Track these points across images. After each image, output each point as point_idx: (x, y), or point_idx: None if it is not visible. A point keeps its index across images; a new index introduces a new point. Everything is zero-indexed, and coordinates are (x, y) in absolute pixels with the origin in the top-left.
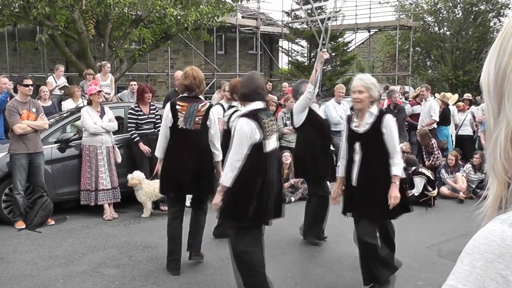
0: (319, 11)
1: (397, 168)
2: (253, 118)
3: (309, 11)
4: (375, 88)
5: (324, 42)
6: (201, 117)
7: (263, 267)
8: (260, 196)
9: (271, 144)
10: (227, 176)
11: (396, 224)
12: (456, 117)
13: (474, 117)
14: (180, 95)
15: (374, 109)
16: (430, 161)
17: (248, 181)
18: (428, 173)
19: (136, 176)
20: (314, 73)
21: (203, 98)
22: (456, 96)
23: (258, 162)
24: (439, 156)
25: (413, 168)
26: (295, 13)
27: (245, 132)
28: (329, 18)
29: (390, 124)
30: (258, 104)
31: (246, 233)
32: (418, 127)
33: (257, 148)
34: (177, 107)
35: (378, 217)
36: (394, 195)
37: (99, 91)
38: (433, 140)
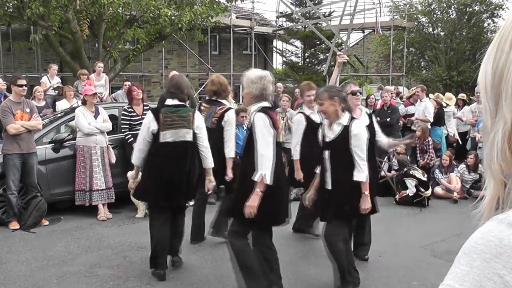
0: (314, 11)
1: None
2: (153, 112)
3: (304, 11)
4: (254, 84)
5: (341, 42)
6: (217, 118)
7: (160, 247)
8: (151, 178)
9: (170, 136)
10: (133, 156)
11: (390, 224)
12: (457, 114)
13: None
14: (207, 98)
15: (254, 107)
16: (425, 160)
17: (144, 164)
18: (420, 174)
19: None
20: (334, 78)
21: (225, 102)
22: (454, 98)
23: (152, 149)
24: (433, 156)
25: (405, 169)
26: (290, 14)
27: (144, 123)
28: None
29: (256, 123)
30: (168, 101)
31: (150, 210)
32: (414, 121)
33: (154, 137)
34: (202, 107)
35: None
36: (249, 204)
37: (95, 93)
38: (430, 138)
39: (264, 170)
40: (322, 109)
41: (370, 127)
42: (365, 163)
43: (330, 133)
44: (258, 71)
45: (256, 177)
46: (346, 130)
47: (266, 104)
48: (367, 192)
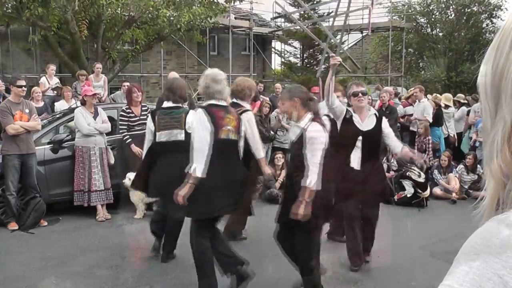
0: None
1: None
2: (151, 114)
3: (301, 12)
4: (201, 83)
5: (335, 44)
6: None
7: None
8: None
9: (164, 136)
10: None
11: (389, 225)
12: (456, 114)
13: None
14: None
15: (203, 105)
16: (424, 159)
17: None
18: (416, 176)
19: (131, 179)
20: (328, 80)
21: (243, 104)
22: (451, 97)
23: (151, 147)
24: (431, 156)
25: (402, 170)
26: (287, 15)
27: (147, 124)
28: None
29: (194, 119)
30: (164, 104)
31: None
32: (413, 121)
33: (153, 137)
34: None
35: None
36: (180, 192)
37: (94, 94)
38: (430, 137)
39: (196, 163)
40: (282, 109)
41: (376, 129)
42: (314, 168)
43: (293, 135)
44: (208, 71)
45: (189, 169)
46: (303, 132)
47: (213, 102)
48: (302, 198)
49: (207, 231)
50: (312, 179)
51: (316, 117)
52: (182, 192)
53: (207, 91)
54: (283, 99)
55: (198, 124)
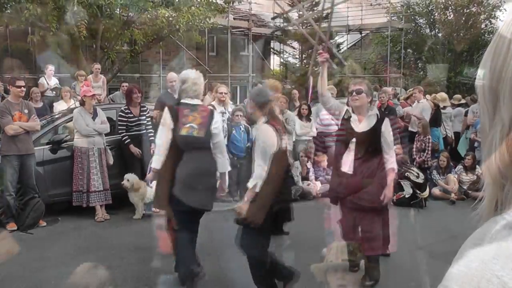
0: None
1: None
2: None
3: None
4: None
5: (323, 42)
6: None
7: None
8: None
9: None
10: None
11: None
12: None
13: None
14: None
15: None
16: (422, 158)
17: None
18: (414, 176)
19: (130, 180)
20: (320, 77)
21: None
22: (446, 96)
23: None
24: (429, 156)
25: (402, 170)
26: (286, 15)
27: None
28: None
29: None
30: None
31: None
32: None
33: None
34: None
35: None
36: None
37: (94, 94)
38: (430, 136)
39: (155, 156)
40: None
41: (373, 130)
42: (259, 170)
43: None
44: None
45: (154, 163)
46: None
47: (182, 100)
48: (245, 199)
49: (192, 226)
50: (254, 180)
51: (271, 121)
52: (148, 177)
53: (178, 90)
54: (247, 102)
55: (162, 121)
